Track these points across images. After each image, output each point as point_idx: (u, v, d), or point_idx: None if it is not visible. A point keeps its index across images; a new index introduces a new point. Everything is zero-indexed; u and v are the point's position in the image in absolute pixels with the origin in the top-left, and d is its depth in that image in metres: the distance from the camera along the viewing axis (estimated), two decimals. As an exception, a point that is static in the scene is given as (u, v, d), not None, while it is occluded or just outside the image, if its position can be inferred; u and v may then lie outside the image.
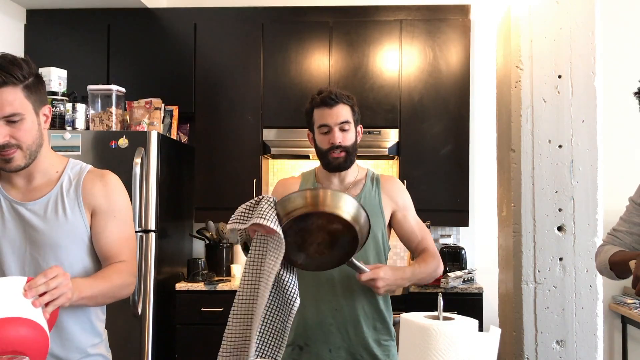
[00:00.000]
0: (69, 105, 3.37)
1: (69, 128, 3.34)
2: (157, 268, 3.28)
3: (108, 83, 3.70)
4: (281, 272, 1.56)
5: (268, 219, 1.51)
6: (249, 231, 1.61)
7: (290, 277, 1.58)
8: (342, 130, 1.85)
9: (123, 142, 3.24)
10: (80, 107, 3.37)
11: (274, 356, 1.57)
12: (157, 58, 3.85)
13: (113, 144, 3.24)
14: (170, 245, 3.61)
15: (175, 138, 3.72)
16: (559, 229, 2.20)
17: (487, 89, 3.78)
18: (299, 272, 1.80)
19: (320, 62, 3.80)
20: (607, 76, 2.47)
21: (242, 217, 1.60)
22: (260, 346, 1.59)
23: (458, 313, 1.33)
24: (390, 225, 1.94)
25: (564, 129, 2.20)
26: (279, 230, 1.51)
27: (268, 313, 1.60)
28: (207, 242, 3.80)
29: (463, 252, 3.76)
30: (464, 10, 3.80)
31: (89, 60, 3.83)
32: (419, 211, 1.99)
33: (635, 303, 3.54)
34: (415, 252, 1.92)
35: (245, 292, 1.61)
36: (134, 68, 3.85)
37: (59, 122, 3.33)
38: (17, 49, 3.79)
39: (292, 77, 3.80)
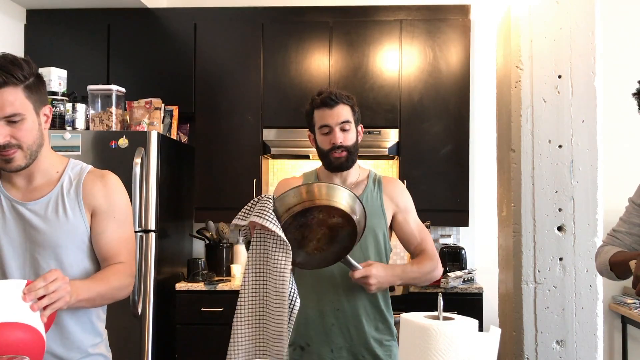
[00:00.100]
0: (69, 105, 3.37)
1: (69, 128, 3.34)
2: (157, 268, 3.28)
3: (108, 83, 3.70)
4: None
5: (265, 217, 1.51)
6: (250, 229, 1.62)
7: (291, 279, 1.58)
8: (343, 130, 1.85)
9: (123, 142, 3.24)
10: (80, 107, 3.37)
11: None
12: (157, 58, 3.85)
13: (113, 144, 3.24)
14: (170, 245, 3.61)
15: (175, 138, 3.72)
16: (559, 229, 2.20)
17: (487, 89, 3.78)
18: (301, 272, 1.80)
19: (320, 62, 3.80)
20: (607, 76, 2.47)
21: (243, 215, 1.60)
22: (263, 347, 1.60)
23: (458, 313, 1.33)
24: (391, 227, 1.95)
25: (564, 129, 2.20)
26: (277, 229, 1.51)
27: (268, 313, 1.59)
28: (207, 242, 3.80)
29: (463, 252, 3.76)
30: (464, 10, 3.80)
31: (89, 60, 3.83)
32: (419, 211, 1.99)
33: (635, 303, 3.54)
34: (414, 254, 1.93)
35: (249, 291, 1.61)
36: (134, 68, 3.85)
37: (59, 122, 3.33)
38: (17, 49, 3.79)
39: (292, 77, 3.80)
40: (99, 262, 1.61)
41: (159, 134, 3.32)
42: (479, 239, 4.01)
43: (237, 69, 3.83)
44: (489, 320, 3.17)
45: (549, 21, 2.22)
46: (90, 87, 3.42)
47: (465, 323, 1.19)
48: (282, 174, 4.10)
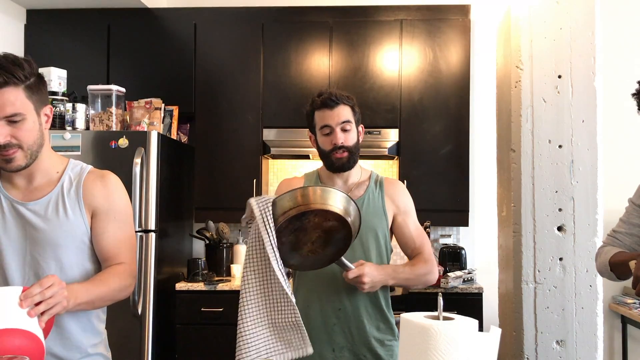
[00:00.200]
0: (69, 105, 3.37)
1: (69, 128, 3.34)
2: (157, 268, 3.28)
3: (108, 83, 3.70)
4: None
5: (263, 218, 1.52)
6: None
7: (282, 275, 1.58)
8: (344, 130, 1.86)
9: (123, 142, 3.24)
10: (80, 107, 3.37)
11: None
12: (157, 58, 3.85)
13: (113, 144, 3.24)
14: (170, 245, 3.61)
15: (175, 138, 3.72)
16: (559, 229, 2.20)
17: (487, 89, 3.78)
18: (302, 272, 1.80)
19: (320, 62, 3.80)
20: (607, 76, 2.47)
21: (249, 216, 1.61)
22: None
23: (458, 313, 1.33)
24: (391, 228, 1.95)
25: (564, 129, 2.20)
26: (271, 231, 1.51)
27: (275, 307, 1.59)
28: (207, 242, 3.80)
29: (463, 252, 3.76)
30: (464, 10, 3.80)
31: (89, 60, 3.83)
32: (419, 211, 2.00)
33: (635, 303, 3.54)
34: (411, 257, 1.93)
35: (251, 288, 1.60)
36: (134, 68, 3.84)
37: (59, 122, 3.33)
38: (17, 49, 3.79)
39: (292, 77, 3.80)
40: (99, 262, 1.61)
41: (159, 134, 3.32)
42: (479, 239, 4.01)
43: (237, 69, 3.83)
44: (489, 320, 3.17)
45: (549, 21, 2.22)
46: (90, 87, 3.42)
47: (465, 323, 1.19)
48: (282, 174, 4.10)
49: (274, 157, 3.91)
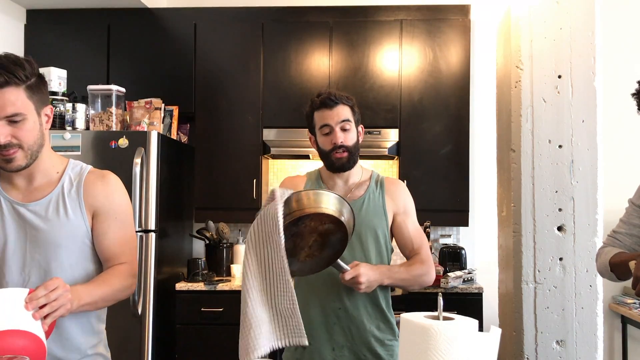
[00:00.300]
0: (69, 105, 3.37)
1: (69, 128, 3.34)
2: (157, 268, 3.28)
3: (108, 83, 3.70)
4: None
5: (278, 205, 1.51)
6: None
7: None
8: (343, 130, 1.86)
9: (123, 142, 3.24)
10: (80, 107, 3.37)
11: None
12: (157, 58, 3.85)
13: (113, 144, 3.24)
14: (170, 245, 3.61)
15: (175, 138, 3.72)
16: (559, 229, 2.20)
17: (487, 89, 3.78)
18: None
19: (320, 62, 3.80)
20: (607, 76, 2.47)
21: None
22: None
23: (458, 313, 1.33)
24: (391, 228, 1.95)
25: (564, 129, 2.20)
26: (280, 221, 1.50)
27: (276, 293, 1.56)
28: (207, 242, 3.80)
29: (463, 252, 3.76)
30: (464, 10, 3.80)
31: (89, 60, 3.84)
32: (419, 211, 2.00)
33: (635, 303, 3.54)
34: (409, 258, 1.93)
35: (254, 274, 1.58)
36: (134, 68, 3.84)
37: (59, 122, 3.33)
38: (17, 49, 3.79)
39: (292, 77, 3.80)
40: (100, 262, 1.61)
41: (159, 134, 3.32)
42: (479, 239, 4.01)
43: (237, 69, 3.83)
44: (489, 320, 3.17)
45: (549, 21, 2.22)
46: (90, 87, 3.42)
47: (465, 323, 1.19)
48: (282, 174, 4.10)
49: (274, 157, 3.91)
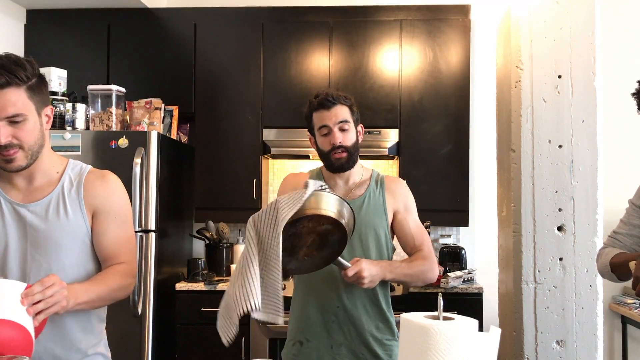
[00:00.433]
0: (69, 105, 3.37)
1: (69, 128, 3.34)
2: (157, 268, 3.28)
3: (108, 83, 3.70)
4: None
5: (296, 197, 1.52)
6: None
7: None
8: (342, 130, 1.86)
9: (123, 142, 3.24)
10: (80, 107, 3.37)
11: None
12: (157, 58, 3.85)
13: (113, 144, 3.24)
14: (170, 245, 3.61)
15: (175, 138, 3.72)
16: (559, 229, 2.20)
17: (487, 89, 3.78)
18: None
19: (320, 62, 3.80)
20: (607, 76, 2.47)
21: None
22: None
23: (458, 313, 1.33)
24: (392, 226, 1.95)
25: (564, 129, 2.20)
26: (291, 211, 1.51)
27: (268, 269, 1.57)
28: (207, 242, 3.80)
29: (463, 252, 3.76)
30: (464, 10, 3.80)
31: (89, 60, 3.83)
32: (419, 211, 1.99)
33: (635, 303, 3.54)
34: (411, 255, 1.93)
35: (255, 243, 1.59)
36: (134, 68, 3.85)
37: (59, 122, 3.33)
38: (17, 49, 3.79)
39: (292, 77, 3.80)
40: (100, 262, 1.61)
41: (159, 134, 3.32)
42: (479, 239, 4.01)
43: (237, 69, 3.83)
44: (489, 320, 3.17)
45: (549, 21, 2.22)
46: (90, 87, 3.42)
47: (465, 323, 1.19)
48: (282, 173, 4.10)
49: (274, 157, 3.91)
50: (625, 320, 3.68)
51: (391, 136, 3.74)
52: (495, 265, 2.53)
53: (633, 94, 1.78)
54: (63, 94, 3.47)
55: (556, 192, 2.20)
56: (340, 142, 1.84)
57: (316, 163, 2.93)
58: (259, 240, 1.57)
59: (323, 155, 1.90)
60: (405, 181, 2.02)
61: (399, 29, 3.79)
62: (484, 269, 3.75)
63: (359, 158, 1.94)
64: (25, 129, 1.44)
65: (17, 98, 1.42)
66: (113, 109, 3.37)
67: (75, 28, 3.87)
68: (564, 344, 2.17)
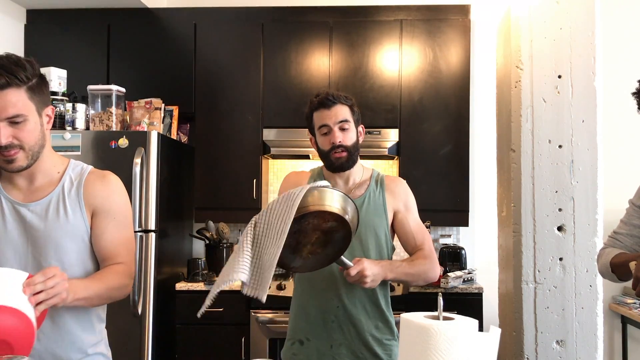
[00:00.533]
0: (69, 105, 3.37)
1: (69, 128, 3.34)
2: (157, 268, 3.28)
3: (108, 83, 3.70)
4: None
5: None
6: None
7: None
8: (342, 129, 1.86)
9: (123, 142, 3.24)
10: (80, 107, 3.37)
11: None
12: (157, 58, 3.85)
13: (113, 144, 3.24)
14: (170, 245, 3.61)
15: (175, 138, 3.72)
16: (559, 229, 2.20)
17: (487, 89, 3.78)
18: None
19: (320, 62, 3.80)
20: (607, 76, 2.47)
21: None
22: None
23: (458, 313, 1.33)
24: (392, 226, 1.95)
25: (564, 129, 2.20)
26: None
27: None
28: (207, 242, 3.80)
29: (463, 252, 3.76)
30: (464, 10, 3.80)
31: (89, 60, 3.83)
32: (419, 211, 1.99)
33: (635, 303, 3.55)
34: (412, 254, 1.93)
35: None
36: (134, 68, 3.85)
37: (59, 122, 3.33)
38: (17, 49, 3.79)
39: (292, 77, 3.80)
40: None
41: (159, 134, 3.32)
42: (479, 239, 4.01)
43: (237, 69, 3.83)
44: (489, 320, 3.17)
45: (549, 21, 2.22)
46: (90, 87, 3.42)
47: (465, 323, 1.19)
48: (282, 173, 4.10)
49: (274, 157, 3.91)
50: (625, 320, 3.68)
51: (391, 136, 3.74)
52: (495, 265, 2.53)
53: (633, 94, 1.78)
54: (63, 94, 3.47)
55: (556, 192, 2.20)
56: (340, 142, 1.84)
57: (316, 163, 2.93)
58: (266, 227, 1.57)
59: (323, 155, 1.90)
60: (405, 180, 2.02)
61: (399, 29, 3.79)
62: (484, 269, 3.75)
63: (359, 158, 1.94)
64: (25, 130, 1.45)
65: (18, 99, 1.42)
66: (113, 109, 3.37)
67: (75, 28, 3.87)
68: (564, 344, 2.17)
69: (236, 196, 3.77)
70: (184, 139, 3.93)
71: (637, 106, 1.78)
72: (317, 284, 1.85)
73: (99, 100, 3.40)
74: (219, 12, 3.90)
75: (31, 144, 1.47)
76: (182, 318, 3.50)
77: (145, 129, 3.38)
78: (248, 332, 3.43)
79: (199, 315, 1.57)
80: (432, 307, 1.47)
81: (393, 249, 1.94)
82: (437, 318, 1.22)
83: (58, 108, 3.33)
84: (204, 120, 3.83)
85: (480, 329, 1.86)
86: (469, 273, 3.59)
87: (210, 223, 3.77)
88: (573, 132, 2.20)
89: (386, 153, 3.71)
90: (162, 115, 3.51)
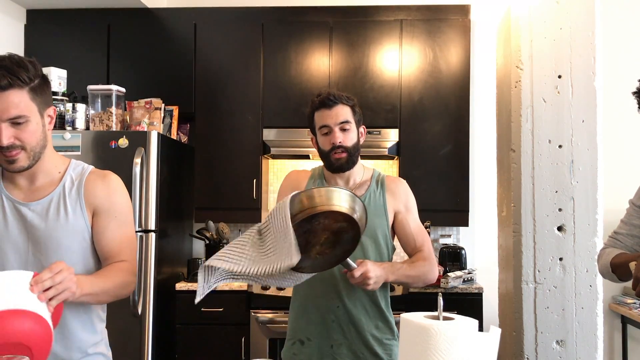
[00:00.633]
0: (69, 105, 3.37)
1: (69, 128, 3.34)
2: (157, 268, 3.28)
3: (108, 83, 3.70)
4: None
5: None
6: None
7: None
8: (343, 130, 1.85)
9: (123, 142, 3.24)
10: (80, 107, 3.37)
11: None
12: (157, 58, 3.86)
13: (113, 144, 3.24)
14: (170, 245, 3.61)
15: (175, 138, 3.72)
16: (559, 229, 2.20)
17: (487, 89, 3.78)
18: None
19: (320, 62, 3.80)
20: (607, 76, 2.47)
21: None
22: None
23: (458, 313, 1.33)
24: (393, 226, 1.94)
25: (564, 129, 2.20)
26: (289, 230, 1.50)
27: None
28: (207, 242, 3.80)
29: (463, 252, 3.76)
30: (464, 10, 3.80)
31: (89, 60, 3.84)
32: (419, 211, 1.99)
33: (635, 303, 3.54)
34: (411, 255, 1.93)
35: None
36: (134, 68, 3.85)
37: (59, 122, 3.33)
38: (17, 49, 3.79)
39: (292, 77, 3.80)
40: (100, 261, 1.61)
41: (159, 134, 3.32)
42: (479, 239, 4.01)
43: (237, 69, 3.83)
44: (489, 320, 3.17)
45: (549, 21, 2.22)
46: (90, 87, 3.42)
47: (465, 323, 1.19)
48: (282, 173, 4.10)
49: (274, 157, 3.91)
50: (625, 320, 3.68)
51: (391, 136, 3.74)
52: (495, 265, 2.52)
53: (634, 93, 1.78)
54: (63, 94, 3.47)
55: (556, 192, 2.20)
56: (340, 142, 1.84)
57: (316, 163, 2.93)
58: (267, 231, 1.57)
59: (323, 155, 1.90)
60: (405, 181, 2.02)
61: (399, 29, 3.79)
62: (484, 269, 3.75)
63: (359, 158, 1.94)
64: (27, 130, 1.45)
65: (20, 99, 1.42)
66: (113, 109, 3.37)
67: (75, 28, 3.87)
68: (564, 344, 2.17)
69: (236, 196, 3.77)
70: (184, 139, 3.93)
71: (637, 106, 1.78)
72: (318, 284, 1.85)
73: (99, 100, 3.40)
74: (219, 12, 3.90)
75: (33, 145, 1.47)
76: (182, 318, 3.50)
77: (145, 129, 3.38)
78: (248, 332, 3.43)
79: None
80: (432, 307, 1.47)
81: (393, 249, 1.94)
82: (437, 318, 1.22)
83: (58, 108, 3.33)
84: (204, 120, 3.83)
85: (480, 329, 1.86)
86: (469, 273, 3.59)
87: (210, 223, 3.77)
88: (573, 132, 2.20)
89: (386, 153, 3.71)
90: (162, 115, 3.51)
